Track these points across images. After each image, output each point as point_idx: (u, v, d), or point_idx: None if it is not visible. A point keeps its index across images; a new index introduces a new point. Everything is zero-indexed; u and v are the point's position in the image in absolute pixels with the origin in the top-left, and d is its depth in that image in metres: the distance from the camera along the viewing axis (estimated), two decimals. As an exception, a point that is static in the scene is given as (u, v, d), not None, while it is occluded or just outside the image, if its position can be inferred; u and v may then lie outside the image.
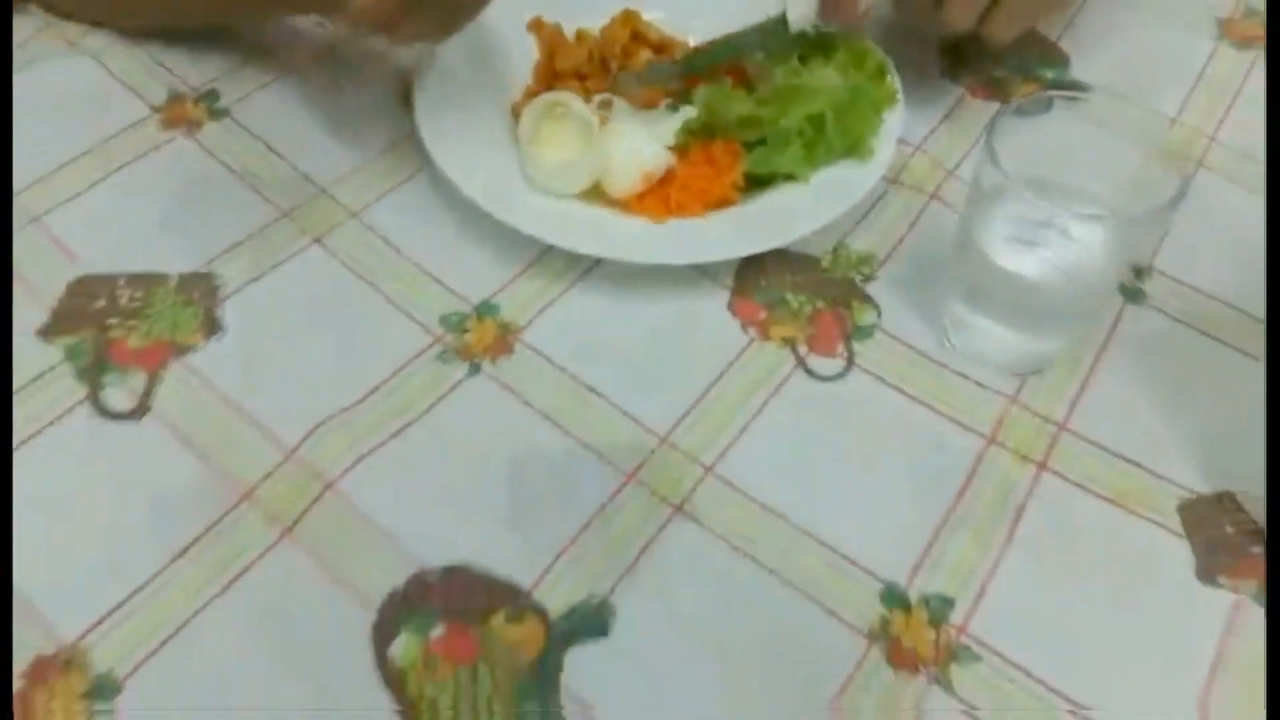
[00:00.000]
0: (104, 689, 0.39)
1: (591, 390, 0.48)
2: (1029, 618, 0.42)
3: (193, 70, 0.61)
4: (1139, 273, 0.53)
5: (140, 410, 0.46)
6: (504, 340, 0.49)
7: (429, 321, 0.50)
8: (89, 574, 0.41)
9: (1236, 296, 0.52)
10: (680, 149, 0.54)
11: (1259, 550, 0.44)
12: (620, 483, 0.45)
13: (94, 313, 0.49)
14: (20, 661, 0.39)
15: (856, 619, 0.41)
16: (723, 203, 0.53)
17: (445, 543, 0.42)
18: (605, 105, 0.56)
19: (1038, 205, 0.42)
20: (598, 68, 0.57)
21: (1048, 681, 0.40)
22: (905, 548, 0.43)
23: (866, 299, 0.51)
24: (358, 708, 0.39)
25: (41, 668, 0.39)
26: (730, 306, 0.51)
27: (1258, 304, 0.51)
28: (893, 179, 0.56)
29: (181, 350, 0.48)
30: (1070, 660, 0.40)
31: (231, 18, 0.63)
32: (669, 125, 0.54)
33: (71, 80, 0.60)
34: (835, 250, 0.53)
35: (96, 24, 0.63)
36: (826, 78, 0.53)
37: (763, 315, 0.50)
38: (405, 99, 0.57)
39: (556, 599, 0.41)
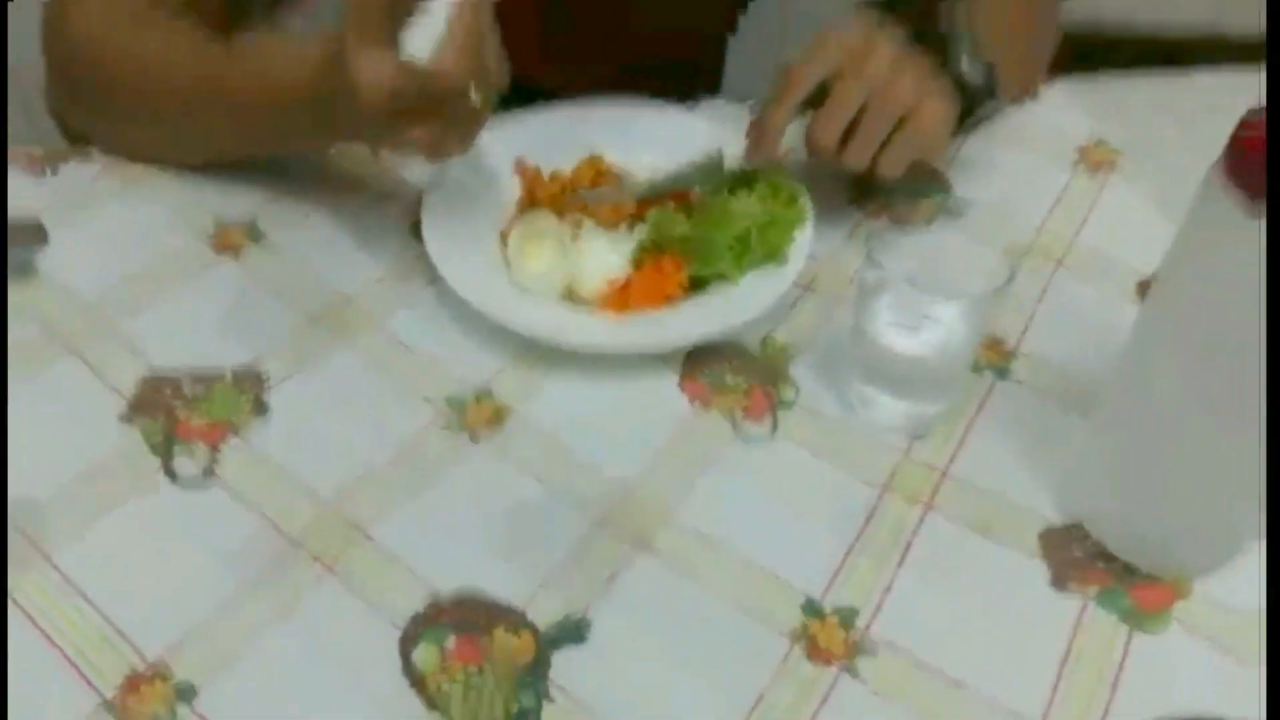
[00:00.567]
0: (185, 693, 0.49)
1: (568, 452, 0.59)
2: (918, 622, 0.52)
3: (237, 202, 0.73)
4: (1006, 355, 0.66)
5: (205, 476, 0.57)
6: (497, 415, 0.61)
7: (438, 401, 0.61)
8: (168, 608, 0.51)
9: (1084, 371, 0.64)
10: (636, 260, 0.66)
11: (1102, 565, 0.55)
12: (592, 525, 0.56)
13: (164, 401, 0.60)
14: (115, 677, 0.49)
15: (782, 624, 0.52)
16: (670, 301, 0.65)
17: (455, 574, 0.53)
18: (576, 225, 0.68)
19: (904, 294, 0.55)
20: (570, 198, 0.70)
21: (931, 665, 0.51)
22: (821, 570, 0.54)
23: (788, 378, 0.64)
24: (389, 703, 0.49)
25: (134, 681, 0.49)
26: (680, 385, 0.63)
27: (1102, 375, 0.64)
28: (807, 285, 0.69)
29: (236, 428, 0.59)
30: (951, 652, 0.51)
31: (273, 152, 0.74)
32: (627, 242, 0.67)
33: (134, 213, 0.72)
34: (764, 340, 0.66)
35: (152, 163, 0.75)
36: (750, 204, 0.66)
37: (705, 391, 0.63)
38: (415, 226, 0.69)
39: (544, 615, 0.52)
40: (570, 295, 0.66)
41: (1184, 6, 1.18)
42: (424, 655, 0.50)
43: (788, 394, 0.63)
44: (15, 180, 0.74)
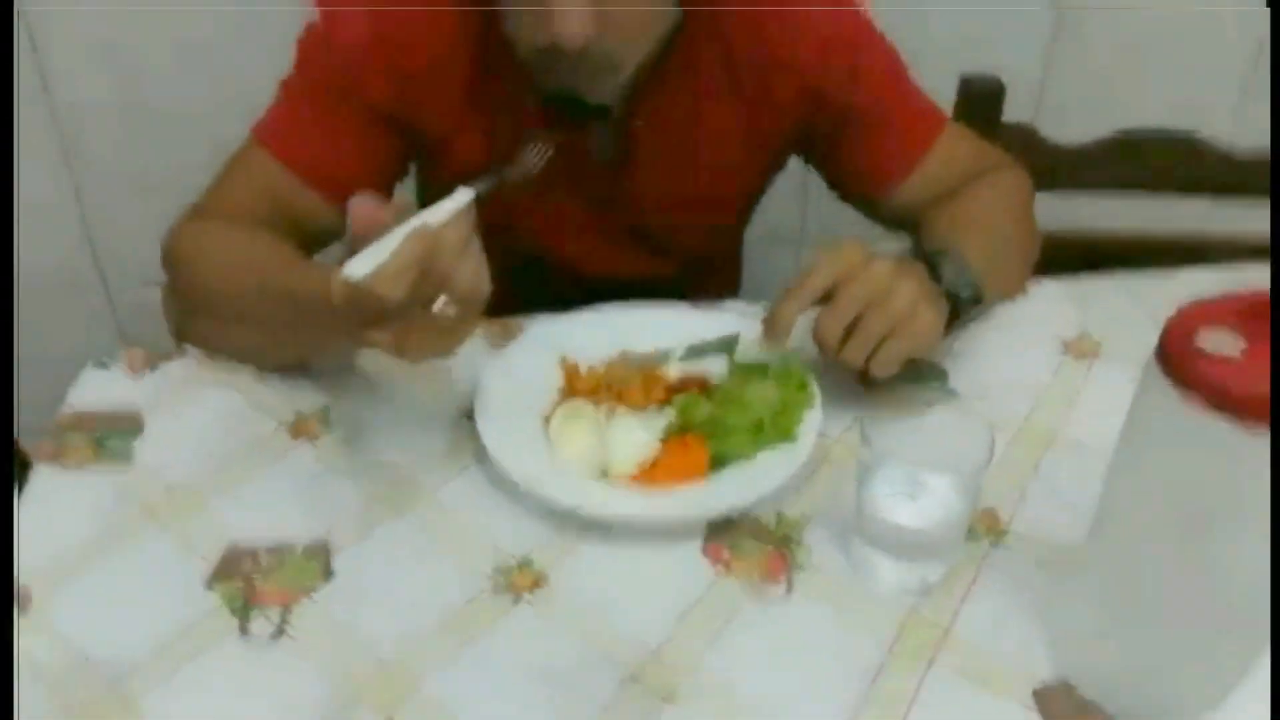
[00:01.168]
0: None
1: (602, 614, 0.66)
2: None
3: (311, 394, 0.82)
4: (1001, 525, 0.72)
5: (276, 635, 0.64)
6: (538, 580, 0.68)
7: (485, 568, 0.68)
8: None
9: (1072, 540, 0.69)
10: (663, 440, 0.74)
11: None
12: (623, 680, 0.62)
13: (243, 571, 0.68)
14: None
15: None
16: (695, 478, 0.73)
17: (497, 714, 0.59)
18: (610, 412, 0.77)
19: (899, 469, 0.62)
20: (604, 389, 0.79)
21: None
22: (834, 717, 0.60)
23: (801, 544, 0.70)
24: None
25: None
26: (703, 552, 0.70)
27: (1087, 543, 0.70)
28: (819, 460, 0.76)
29: (306, 591, 0.67)
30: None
31: (307, 359, 0.83)
32: (655, 424, 0.75)
33: (221, 405, 0.82)
34: (779, 511, 0.73)
35: (235, 361, 0.85)
36: (764, 391, 0.75)
37: (727, 556, 0.69)
38: (468, 412, 0.78)
39: (580, 761, 0.57)
40: (604, 473, 0.74)
41: (1169, 216, 1.29)
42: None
43: (802, 558, 0.69)
44: (119, 378, 0.84)
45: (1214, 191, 1.16)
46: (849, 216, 1.05)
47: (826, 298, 0.75)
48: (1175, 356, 0.50)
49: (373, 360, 0.85)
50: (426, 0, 0.87)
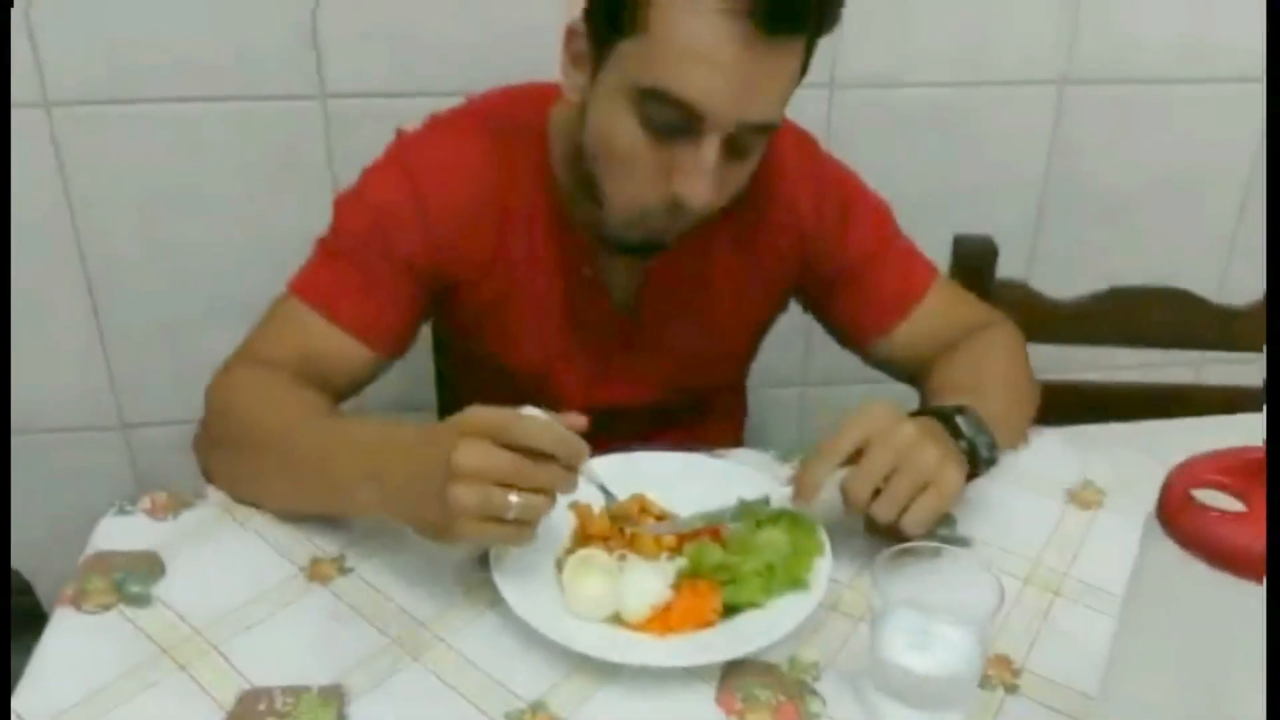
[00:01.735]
0: None
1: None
2: None
3: (328, 539, 0.84)
4: (1014, 672, 0.72)
5: (290, 782, 0.64)
6: (553, 727, 0.68)
7: (500, 714, 0.68)
8: None
9: (1085, 687, 0.70)
10: (676, 586, 0.75)
11: None
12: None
13: (258, 714, 0.68)
14: None
15: None
16: (707, 624, 0.74)
17: None
18: (622, 558, 0.78)
19: (910, 617, 0.63)
20: (617, 533, 0.81)
21: None
22: None
23: (814, 692, 0.70)
24: None
25: None
26: (716, 699, 0.70)
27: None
28: (831, 606, 0.77)
29: (322, 737, 0.67)
30: None
31: (332, 512, 0.85)
32: (668, 570, 0.76)
33: (240, 549, 0.83)
34: (791, 658, 0.73)
35: (255, 504, 0.87)
36: (775, 536, 0.76)
37: (739, 705, 0.69)
38: (482, 557, 0.79)
39: None
40: (618, 619, 0.75)
41: (1167, 370, 1.33)
42: None
43: (814, 707, 0.69)
44: (141, 522, 0.86)
45: (1205, 347, 1.21)
46: (850, 361, 1.09)
47: (855, 456, 0.78)
48: (1175, 514, 0.53)
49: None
50: (464, 159, 0.93)
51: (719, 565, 0.76)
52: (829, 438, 0.79)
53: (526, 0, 1.31)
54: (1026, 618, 0.77)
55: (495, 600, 0.76)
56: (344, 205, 0.95)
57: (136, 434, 1.49)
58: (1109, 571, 0.81)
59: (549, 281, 0.98)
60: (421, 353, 1.03)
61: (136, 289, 1.42)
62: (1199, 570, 0.50)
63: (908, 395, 1.05)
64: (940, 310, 1.03)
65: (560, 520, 0.82)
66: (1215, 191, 1.63)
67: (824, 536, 0.78)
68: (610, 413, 1.00)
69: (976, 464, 0.84)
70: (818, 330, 1.10)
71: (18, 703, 0.68)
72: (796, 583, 0.75)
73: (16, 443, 1.47)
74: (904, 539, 0.73)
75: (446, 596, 0.79)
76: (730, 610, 0.75)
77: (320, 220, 0.97)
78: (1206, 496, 0.53)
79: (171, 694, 0.70)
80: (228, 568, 0.81)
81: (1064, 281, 1.22)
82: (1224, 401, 1.07)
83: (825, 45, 0.84)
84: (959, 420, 0.84)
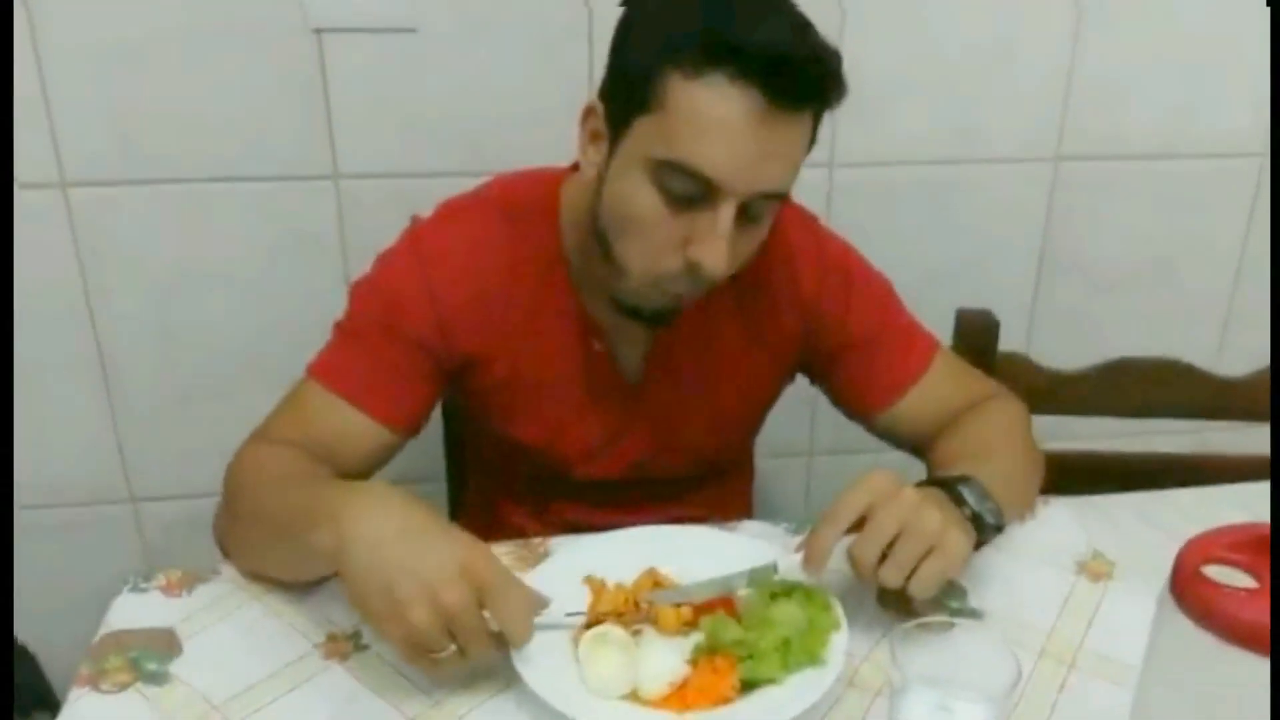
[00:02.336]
0: None
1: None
2: None
3: (343, 615, 0.84)
4: (1033, 745, 0.73)
5: None
6: (572, 808, 0.68)
7: (517, 795, 0.69)
8: None
9: None
10: (693, 662, 0.76)
11: None
12: None
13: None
14: None
15: None
16: (724, 700, 0.74)
17: None
18: (638, 633, 0.79)
19: (927, 691, 0.63)
20: (632, 607, 0.81)
21: None
22: None
23: (834, 770, 0.71)
24: None
25: None
26: (735, 776, 0.70)
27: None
28: (848, 681, 0.78)
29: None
30: None
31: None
32: (684, 646, 0.77)
33: (257, 625, 0.83)
34: (810, 733, 0.73)
35: (270, 581, 0.87)
36: (790, 610, 0.77)
37: (760, 782, 0.69)
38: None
39: None
40: (635, 695, 0.75)
41: (1169, 437, 1.34)
42: None
43: (834, 785, 0.69)
44: (155, 599, 0.86)
45: (1206, 416, 1.22)
46: (858, 431, 1.10)
47: (860, 524, 0.79)
48: (1188, 590, 0.54)
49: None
50: (474, 246, 0.96)
51: (736, 641, 0.76)
52: (833, 505, 0.80)
53: (534, 84, 1.35)
54: (1043, 691, 0.77)
55: (512, 678, 0.76)
56: (359, 290, 0.99)
57: (146, 508, 1.49)
58: (1122, 642, 0.81)
59: (559, 358, 1.00)
60: (431, 424, 1.04)
61: (148, 364, 1.43)
62: (1211, 645, 0.51)
63: (915, 464, 1.06)
64: (942, 384, 1.05)
65: (575, 597, 0.82)
66: (1209, 262, 1.66)
67: (839, 611, 0.79)
68: (618, 483, 1.03)
69: (983, 531, 0.85)
70: (824, 400, 1.11)
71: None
72: (813, 658, 0.75)
73: (25, 516, 1.47)
74: (916, 613, 0.74)
75: (463, 673, 0.78)
76: (748, 685, 0.75)
77: (332, 298, 1.00)
78: (1218, 573, 0.54)
79: (189, 774, 0.70)
80: (244, 645, 0.81)
81: (1063, 351, 1.24)
82: (1226, 470, 1.08)
83: (825, 125, 0.87)
84: (962, 489, 0.85)
